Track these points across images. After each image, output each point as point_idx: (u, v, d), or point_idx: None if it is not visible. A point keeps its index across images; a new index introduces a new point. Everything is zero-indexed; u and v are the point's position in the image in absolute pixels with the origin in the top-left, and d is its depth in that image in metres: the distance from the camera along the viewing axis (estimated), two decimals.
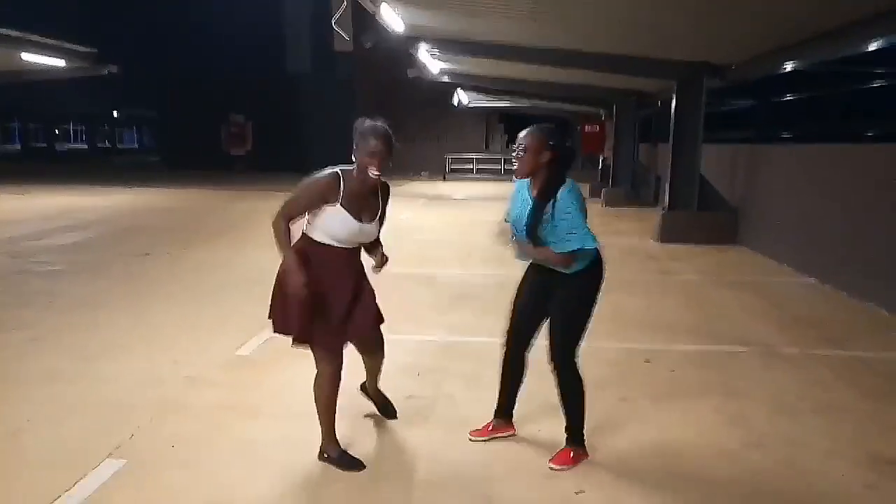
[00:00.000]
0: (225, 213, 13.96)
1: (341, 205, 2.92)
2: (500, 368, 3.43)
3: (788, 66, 8.54)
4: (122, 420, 3.63)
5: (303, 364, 4.49)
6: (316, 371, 3.12)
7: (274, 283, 3.06)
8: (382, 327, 3.32)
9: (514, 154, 3.10)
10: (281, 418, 3.70)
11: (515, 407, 3.49)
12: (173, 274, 7.53)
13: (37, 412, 3.72)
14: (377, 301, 3.23)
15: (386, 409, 3.69)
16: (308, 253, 3.00)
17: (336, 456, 3.16)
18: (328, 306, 3.03)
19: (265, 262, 8.13)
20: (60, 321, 5.50)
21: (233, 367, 4.51)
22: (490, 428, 3.46)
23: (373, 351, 3.40)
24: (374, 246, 3.21)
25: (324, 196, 2.91)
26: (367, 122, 2.94)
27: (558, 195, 2.99)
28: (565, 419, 3.29)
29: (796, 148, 9.94)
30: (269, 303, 3.11)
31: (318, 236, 3.00)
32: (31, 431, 3.50)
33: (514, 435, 3.48)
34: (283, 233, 2.94)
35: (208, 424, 3.60)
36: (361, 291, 3.15)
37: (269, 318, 3.13)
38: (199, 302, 6.26)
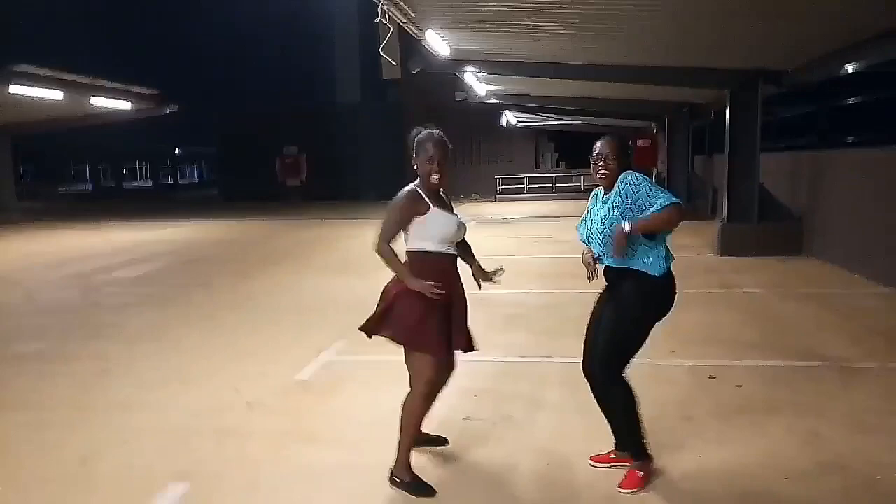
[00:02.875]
0: (280, 241, 14.29)
1: (436, 206, 3.06)
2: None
3: (849, 68, 8.22)
4: (186, 446, 3.71)
5: (361, 388, 4.54)
6: (413, 387, 3.11)
7: (386, 300, 3.12)
8: None
9: (597, 165, 3.09)
10: (341, 443, 3.71)
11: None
12: (233, 302, 7.73)
13: (106, 439, 3.85)
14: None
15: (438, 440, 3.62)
16: (424, 267, 3.06)
17: (409, 481, 3.11)
18: (449, 315, 3.10)
19: (321, 287, 8.34)
20: (128, 352, 5.71)
21: (292, 392, 4.56)
22: (611, 457, 3.30)
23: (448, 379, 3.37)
24: (467, 251, 3.32)
25: (413, 209, 3.05)
26: (422, 131, 3.12)
27: (620, 182, 3.01)
28: (617, 438, 3.20)
29: (863, 152, 9.53)
30: (376, 320, 3.14)
31: (429, 246, 3.07)
32: (101, 457, 3.61)
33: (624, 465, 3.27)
34: (390, 253, 3.05)
35: (269, 449, 3.64)
36: (461, 309, 3.20)
37: (370, 331, 3.16)
38: (258, 329, 6.39)
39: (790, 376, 4.60)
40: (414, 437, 3.15)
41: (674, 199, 2.93)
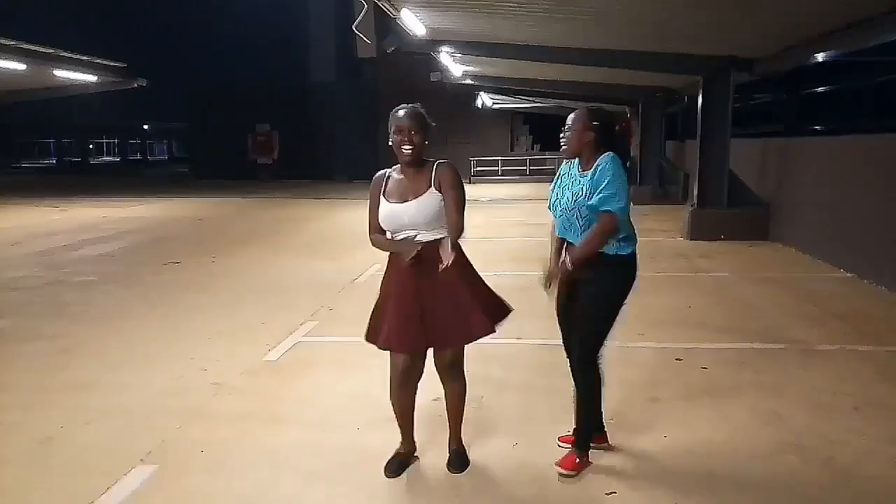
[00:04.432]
0: (251, 221, 14.12)
1: (383, 195, 2.97)
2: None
3: (819, 57, 8.33)
4: (151, 427, 3.67)
5: (329, 369, 4.52)
6: None
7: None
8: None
9: (563, 135, 3.11)
10: (306, 424, 3.70)
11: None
12: (201, 282, 7.62)
13: (69, 419, 3.78)
14: (472, 316, 3.01)
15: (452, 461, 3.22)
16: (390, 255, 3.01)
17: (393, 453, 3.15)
18: (393, 305, 2.96)
19: (292, 268, 8.26)
20: (92, 331, 5.60)
21: (259, 373, 4.53)
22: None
23: (445, 374, 3.11)
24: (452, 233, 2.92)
25: (376, 193, 2.99)
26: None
27: (598, 162, 3.02)
28: (575, 421, 3.21)
29: (829, 140, 9.70)
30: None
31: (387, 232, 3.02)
32: (63, 438, 3.55)
33: (607, 447, 3.31)
34: (380, 239, 3.00)
35: (235, 431, 3.62)
36: (442, 300, 2.94)
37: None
38: (226, 309, 6.32)
39: (754, 358, 4.70)
40: (399, 416, 3.11)
41: (611, 207, 2.93)
